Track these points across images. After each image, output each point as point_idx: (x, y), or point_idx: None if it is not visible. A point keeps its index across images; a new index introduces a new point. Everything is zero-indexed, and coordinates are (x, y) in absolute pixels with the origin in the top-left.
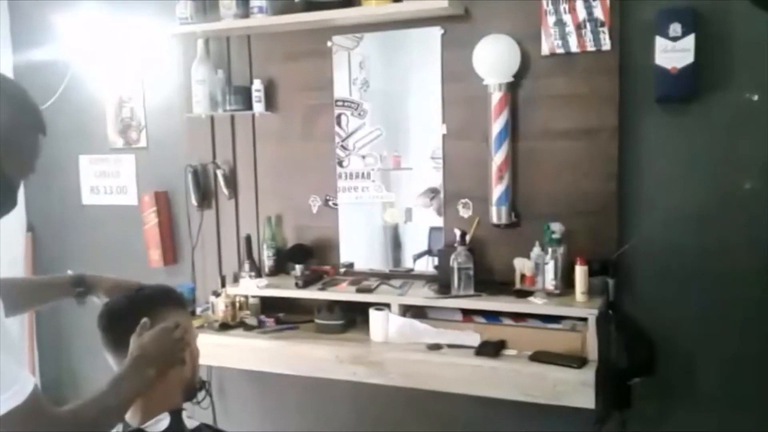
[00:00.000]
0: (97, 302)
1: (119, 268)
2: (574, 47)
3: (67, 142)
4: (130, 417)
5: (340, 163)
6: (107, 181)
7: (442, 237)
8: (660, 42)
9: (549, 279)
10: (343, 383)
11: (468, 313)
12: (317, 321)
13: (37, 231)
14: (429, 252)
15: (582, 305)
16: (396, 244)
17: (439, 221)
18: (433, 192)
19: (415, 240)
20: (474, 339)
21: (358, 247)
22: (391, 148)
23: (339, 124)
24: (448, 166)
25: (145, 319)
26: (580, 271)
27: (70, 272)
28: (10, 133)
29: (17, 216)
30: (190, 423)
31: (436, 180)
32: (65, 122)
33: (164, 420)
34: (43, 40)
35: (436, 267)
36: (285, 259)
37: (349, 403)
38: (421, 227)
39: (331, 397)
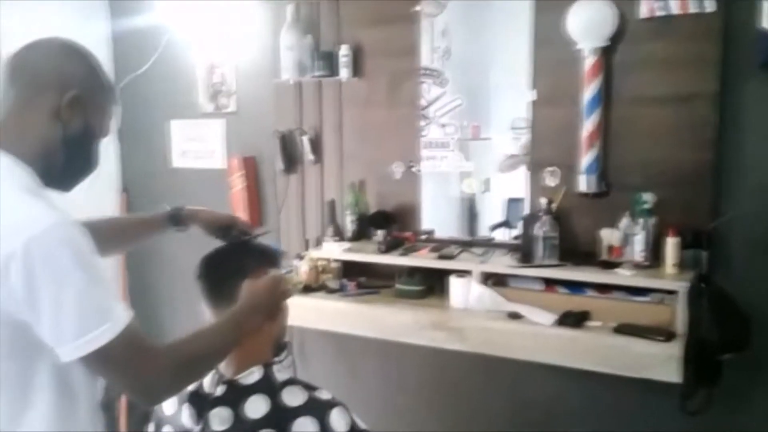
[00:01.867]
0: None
1: None
2: (675, 9)
3: (160, 108)
4: (224, 368)
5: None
6: (197, 146)
7: (520, 208)
8: None
9: (638, 250)
10: (420, 348)
11: (550, 284)
12: (398, 286)
13: (131, 192)
14: (506, 223)
15: (672, 278)
16: (472, 214)
17: (517, 192)
18: (513, 159)
19: (492, 211)
20: (551, 317)
21: (438, 214)
22: (471, 117)
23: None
24: (536, 133)
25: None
26: (671, 243)
27: (166, 206)
28: (94, 94)
29: (112, 177)
30: (280, 376)
31: (516, 149)
32: (158, 88)
33: (256, 372)
34: (139, 7)
35: (518, 236)
36: (367, 224)
37: (426, 368)
38: (498, 198)
39: (407, 362)
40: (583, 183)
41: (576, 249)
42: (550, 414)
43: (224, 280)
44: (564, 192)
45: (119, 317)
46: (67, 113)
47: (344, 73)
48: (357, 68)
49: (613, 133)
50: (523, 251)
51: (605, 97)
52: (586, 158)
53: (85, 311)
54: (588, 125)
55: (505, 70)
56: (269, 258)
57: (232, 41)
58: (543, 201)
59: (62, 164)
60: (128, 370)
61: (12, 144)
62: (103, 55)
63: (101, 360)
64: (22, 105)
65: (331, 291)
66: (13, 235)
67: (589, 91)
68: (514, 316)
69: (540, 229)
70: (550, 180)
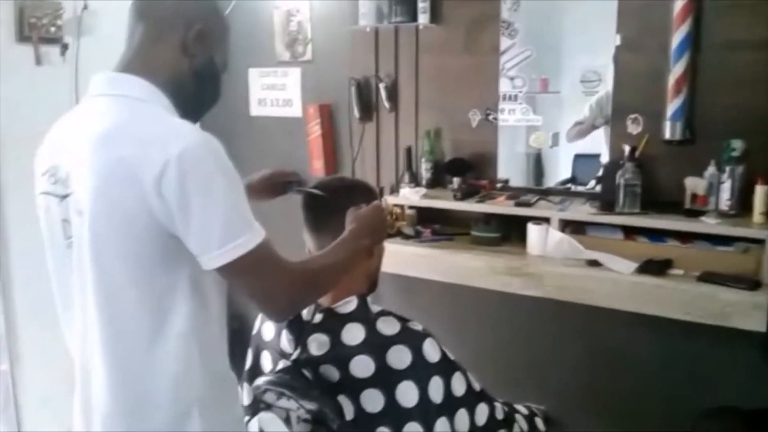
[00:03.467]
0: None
1: None
2: None
3: (238, 55)
4: (321, 299)
5: None
6: (274, 94)
7: (589, 164)
8: None
9: (724, 199)
10: (493, 294)
11: (630, 233)
12: (473, 233)
13: None
14: (573, 180)
15: (760, 226)
16: (539, 169)
17: (587, 148)
18: (580, 127)
19: (560, 166)
20: (631, 265)
21: (506, 167)
22: (540, 70)
23: None
24: (619, 79)
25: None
26: (760, 191)
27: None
28: (216, 28)
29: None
30: (374, 308)
31: (586, 110)
32: (236, 36)
33: (352, 302)
34: None
35: (598, 181)
36: (442, 171)
37: (495, 313)
38: (566, 153)
39: (477, 307)
40: (668, 130)
41: (658, 198)
42: (625, 362)
43: (331, 209)
44: (647, 139)
45: (258, 229)
46: (194, 46)
47: (422, 18)
48: (435, 14)
49: (701, 79)
50: (604, 199)
51: (694, 42)
52: (672, 105)
53: (230, 220)
54: (676, 71)
55: (578, 20)
56: (371, 192)
57: None
58: (625, 148)
59: (191, 96)
60: (262, 281)
61: (146, 76)
62: None
63: (239, 270)
64: (150, 42)
65: (407, 237)
66: (166, 146)
67: (677, 35)
68: (593, 263)
69: (621, 177)
70: (633, 127)
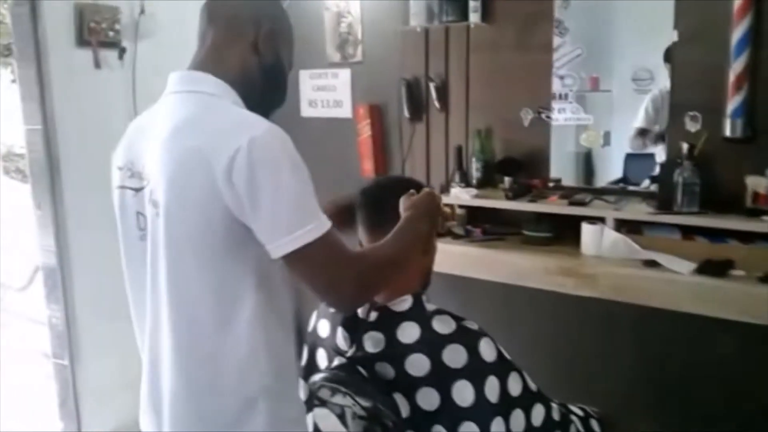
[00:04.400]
0: None
1: (334, 178)
2: None
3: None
4: (377, 297)
5: None
6: (324, 95)
7: (641, 164)
8: None
9: None
10: (543, 294)
11: (688, 232)
12: (525, 232)
13: None
14: (624, 180)
15: None
16: (589, 169)
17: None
18: (644, 137)
19: (611, 166)
20: (690, 265)
21: (557, 165)
22: (590, 68)
23: None
24: (677, 76)
25: (412, 190)
26: None
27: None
28: (284, 29)
29: None
30: (429, 306)
31: (641, 119)
32: None
33: (407, 301)
34: None
35: (655, 179)
36: (493, 171)
37: (550, 313)
38: (618, 153)
39: (530, 307)
40: (729, 127)
41: (717, 197)
42: (680, 364)
43: (384, 202)
44: (706, 137)
45: (324, 219)
46: (264, 46)
47: (473, 18)
48: (486, 13)
49: (762, 75)
50: (661, 198)
51: (756, 36)
52: (733, 102)
53: (298, 208)
54: (736, 66)
55: (630, 16)
56: (421, 185)
57: None
58: (684, 146)
59: (259, 93)
60: (328, 270)
61: (217, 74)
62: None
63: (305, 258)
64: (221, 41)
65: (457, 236)
66: (237, 135)
67: (738, 30)
68: (650, 263)
69: (680, 176)
70: (691, 125)
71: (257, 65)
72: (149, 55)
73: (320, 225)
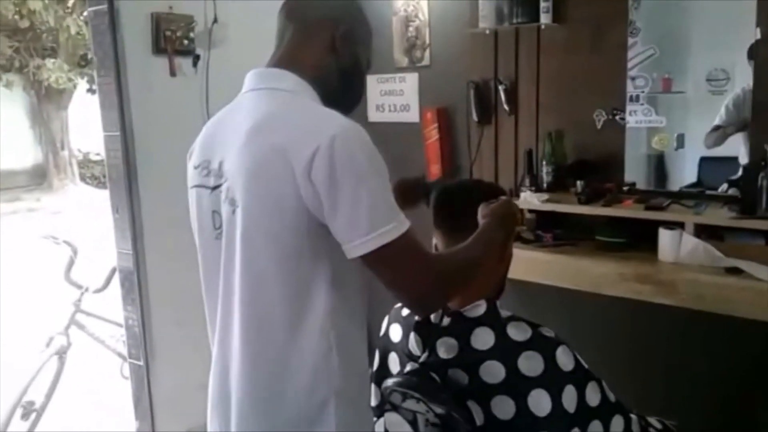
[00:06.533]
0: None
1: None
2: None
3: None
4: (450, 303)
5: None
6: (392, 99)
7: (717, 168)
8: None
9: None
10: (617, 301)
11: None
12: (598, 237)
13: None
14: (699, 184)
15: None
16: (661, 172)
17: (716, 150)
18: (719, 132)
19: (684, 170)
20: None
21: (635, 167)
22: (662, 69)
23: None
24: (761, 74)
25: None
26: None
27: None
28: (361, 28)
29: None
30: (503, 312)
31: (714, 103)
32: None
33: (481, 306)
34: None
35: (735, 183)
36: (565, 174)
37: (624, 322)
38: (692, 156)
39: (603, 315)
40: None
41: None
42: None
43: (464, 208)
44: None
45: (404, 219)
46: (341, 45)
47: (545, 18)
48: (558, 14)
49: None
50: (744, 203)
51: None
52: None
53: (377, 207)
54: None
55: (704, 15)
56: (499, 189)
57: None
58: None
59: (337, 92)
60: (407, 270)
61: (295, 71)
62: None
63: (384, 258)
64: (299, 40)
65: (527, 242)
66: (318, 133)
67: None
68: (733, 271)
69: (764, 179)
70: None
71: (334, 64)
72: (222, 62)
73: (399, 225)
